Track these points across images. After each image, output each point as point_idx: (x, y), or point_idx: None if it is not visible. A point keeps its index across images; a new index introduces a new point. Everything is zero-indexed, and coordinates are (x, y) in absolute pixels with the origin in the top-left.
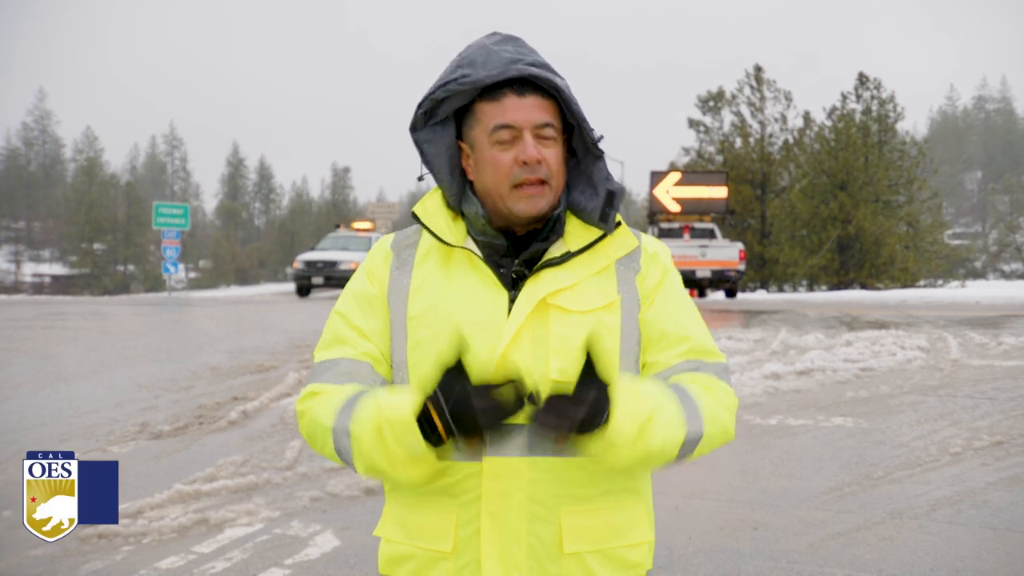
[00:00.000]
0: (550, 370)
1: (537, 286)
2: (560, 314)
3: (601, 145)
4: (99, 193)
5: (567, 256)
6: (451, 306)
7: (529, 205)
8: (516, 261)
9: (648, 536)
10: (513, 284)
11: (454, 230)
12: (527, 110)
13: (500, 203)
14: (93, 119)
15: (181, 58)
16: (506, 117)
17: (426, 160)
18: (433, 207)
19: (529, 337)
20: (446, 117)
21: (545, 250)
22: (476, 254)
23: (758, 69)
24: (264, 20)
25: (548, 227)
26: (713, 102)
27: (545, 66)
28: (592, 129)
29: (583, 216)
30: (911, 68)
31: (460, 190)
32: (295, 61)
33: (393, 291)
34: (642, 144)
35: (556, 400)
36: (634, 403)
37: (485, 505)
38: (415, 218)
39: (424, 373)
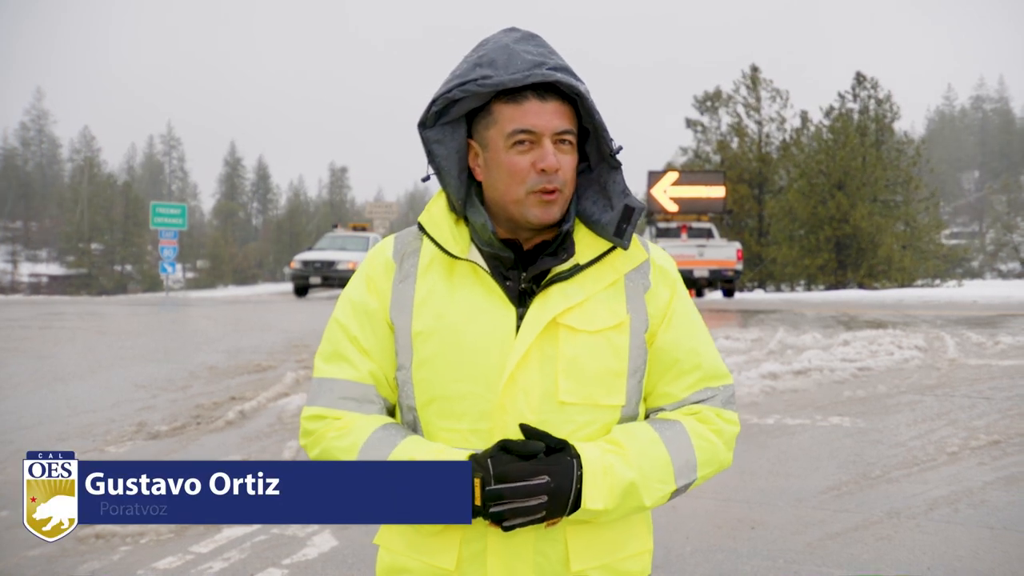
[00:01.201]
0: (559, 391)
1: (546, 304)
2: (569, 334)
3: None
4: (96, 193)
5: (576, 269)
6: (457, 322)
7: (543, 212)
8: (524, 276)
9: (648, 544)
10: (520, 299)
11: (458, 238)
12: (548, 116)
13: (513, 208)
14: (92, 119)
15: (180, 58)
16: (527, 122)
17: (434, 160)
18: (439, 214)
19: (538, 357)
20: (458, 116)
21: (555, 265)
22: (482, 267)
23: (754, 69)
24: (263, 20)
25: (557, 242)
26: (710, 102)
27: (568, 70)
28: (611, 139)
29: (595, 228)
30: (909, 68)
31: (467, 193)
32: (294, 61)
33: (396, 304)
34: (641, 144)
35: (511, 485)
36: (606, 477)
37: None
38: (421, 229)
39: (443, 432)
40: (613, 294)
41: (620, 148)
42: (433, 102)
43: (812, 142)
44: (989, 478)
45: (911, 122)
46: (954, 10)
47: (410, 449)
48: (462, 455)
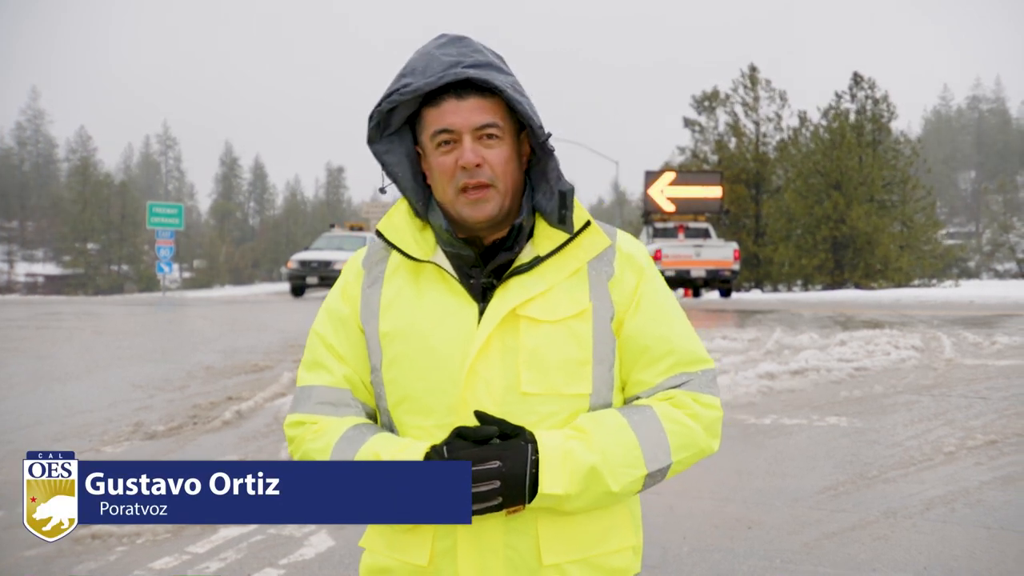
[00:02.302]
0: (521, 382)
1: (506, 296)
2: (530, 324)
3: (553, 142)
4: (92, 192)
5: (536, 261)
6: (422, 321)
7: (474, 210)
8: (484, 271)
9: (632, 540)
10: (483, 295)
11: (421, 242)
12: (465, 112)
13: (450, 208)
14: (91, 118)
15: (178, 57)
16: (444, 121)
17: (389, 171)
18: (400, 221)
19: (499, 349)
20: (402, 124)
21: (513, 258)
22: (444, 268)
23: (752, 69)
24: (262, 20)
25: (512, 236)
26: (708, 102)
27: (488, 65)
28: (540, 127)
29: (546, 217)
30: (906, 68)
31: (426, 197)
32: (292, 60)
33: (365, 309)
34: (639, 144)
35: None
36: (565, 462)
37: None
38: (380, 236)
39: (415, 429)
40: (575, 283)
41: (549, 135)
42: (370, 117)
43: (809, 142)
44: (986, 478)
45: (908, 122)
46: (952, 10)
47: (376, 445)
48: (423, 447)
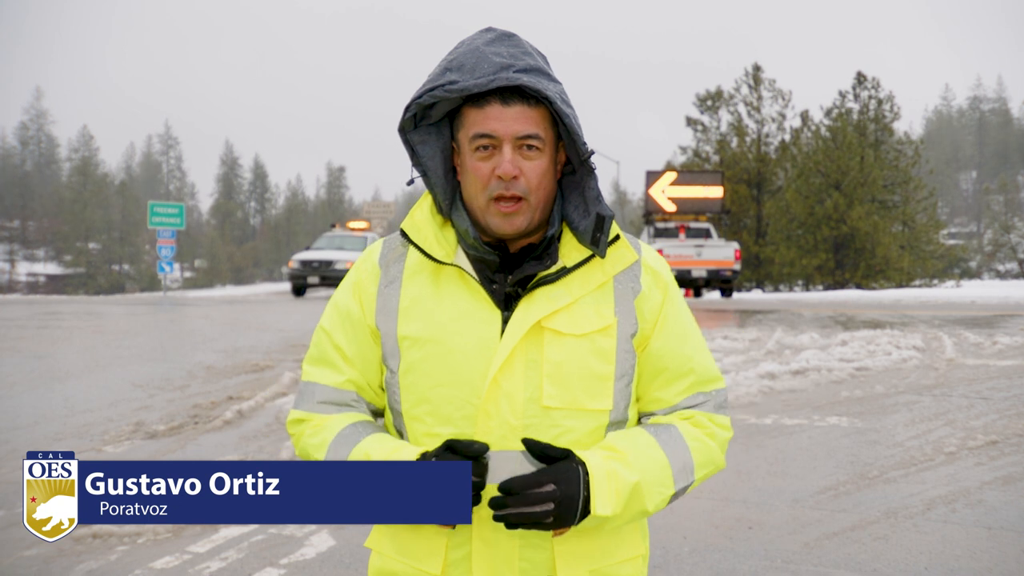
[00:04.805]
0: (543, 396)
1: (531, 307)
2: (555, 337)
3: (593, 160)
4: (94, 192)
5: (563, 272)
6: (443, 326)
7: (504, 222)
8: (509, 280)
9: (641, 549)
10: (506, 302)
11: (443, 242)
12: (509, 121)
13: (479, 214)
14: (92, 119)
15: (180, 57)
16: (487, 126)
17: (420, 162)
18: (422, 220)
19: (522, 361)
20: (438, 118)
21: (541, 270)
22: (467, 272)
23: (756, 68)
24: (263, 19)
25: (542, 247)
26: (711, 101)
27: (538, 71)
28: (585, 144)
29: (576, 234)
30: (906, 68)
31: (453, 194)
32: (293, 60)
33: (382, 310)
34: (640, 143)
35: (517, 495)
36: (610, 482)
37: (477, 530)
38: (404, 236)
39: (427, 437)
40: (601, 296)
41: (592, 152)
42: (407, 108)
43: (811, 142)
44: (986, 478)
45: (909, 122)
46: (953, 10)
47: (368, 445)
48: (415, 451)
